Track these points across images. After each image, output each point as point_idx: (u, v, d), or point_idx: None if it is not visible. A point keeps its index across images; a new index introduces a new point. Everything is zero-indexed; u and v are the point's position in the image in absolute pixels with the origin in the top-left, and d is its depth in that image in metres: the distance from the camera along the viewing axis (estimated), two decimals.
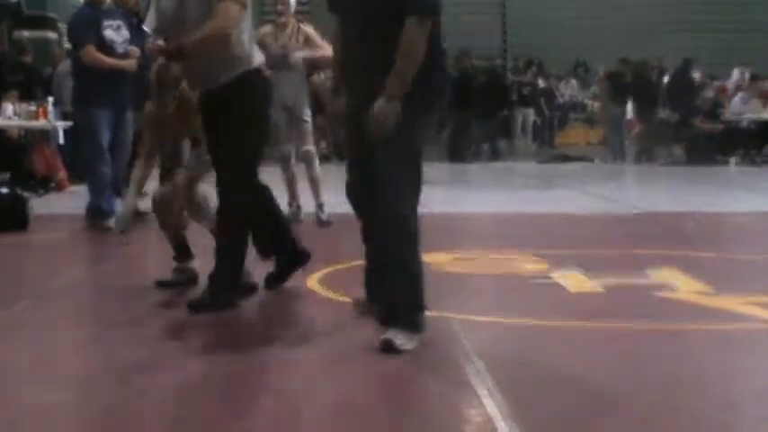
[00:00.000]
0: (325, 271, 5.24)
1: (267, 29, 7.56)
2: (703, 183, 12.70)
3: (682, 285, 4.97)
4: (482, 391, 3.15)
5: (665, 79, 17.04)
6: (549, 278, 5.20)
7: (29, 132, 11.04)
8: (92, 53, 7.15)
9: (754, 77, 16.47)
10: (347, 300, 4.42)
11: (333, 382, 3.39)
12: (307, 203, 7.48)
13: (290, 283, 4.80)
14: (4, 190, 7.55)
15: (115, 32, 7.26)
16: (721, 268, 5.71)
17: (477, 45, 18.60)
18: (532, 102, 18.14)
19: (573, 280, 5.12)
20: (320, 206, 7.36)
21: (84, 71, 7.24)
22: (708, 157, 15.49)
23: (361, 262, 4.19)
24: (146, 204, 5.69)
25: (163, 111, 4.68)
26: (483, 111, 16.52)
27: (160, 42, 4.51)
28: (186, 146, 4.81)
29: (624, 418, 2.98)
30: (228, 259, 4.40)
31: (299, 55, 7.27)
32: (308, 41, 7.32)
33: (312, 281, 4.99)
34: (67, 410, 3.08)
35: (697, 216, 8.43)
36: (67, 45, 9.55)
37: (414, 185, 3.72)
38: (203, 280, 4.57)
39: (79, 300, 4.98)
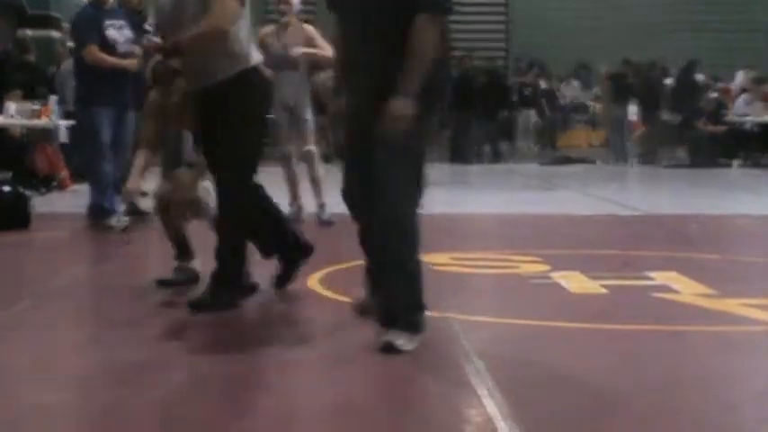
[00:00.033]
0: (325, 271, 5.24)
1: (269, 28, 7.56)
2: (706, 185, 12.69)
3: (683, 287, 4.96)
4: (482, 392, 3.14)
5: (669, 81, 17.02)
6: (549, 279, 5.20)
7: (31, 131, 11.04)
8: (94, 52, 7.16)
9: (759, 80, 16.45)
10: (348, 300, 4.41)
11: (333, 382, 3.39)
12: (308, 203, 7.48)
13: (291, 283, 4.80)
14: (7, 188, 7.55)
15: (117, 32, 7.27)
16: (724, 270, 5.71)
17: (479, 46, 18.59)
18: (534, 103, 18.11)
19: (574, 281, 5.11)
20: (321, 206, 7.36)
21: (87, 70, 7.26)
22: (711, 159, 15.48)
23: (362, 262, 4.19)
24: (147, 204, 5.69)
25: (167, 99, 4.65)
26: (483, 112, 16.49)
27: (156, 39, 4.50)
28: (188, 143, 4.79)
29: (624, 418, 2.97)
30: (229, 259, 4.39)
31: (298, 51, 7.25)
32: (310, 42, 7.32)
33: (313, 281, 4.99)
34: (67, 410, 3.08)
35: (700, 218, 8.43)
36: (70, 44, 9.57)
37: (415, 186, 3.70)
38: (204, 279, 4.57)
39: (80, 299, 4.98)
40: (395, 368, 3.47)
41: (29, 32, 12.93)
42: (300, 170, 7.51)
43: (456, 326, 4.04)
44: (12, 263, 6.03)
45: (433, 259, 5.22)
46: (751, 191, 11.59)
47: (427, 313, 3.76)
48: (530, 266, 5.59)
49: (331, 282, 4.98)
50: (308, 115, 7.41)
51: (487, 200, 10.47)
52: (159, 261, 5.40)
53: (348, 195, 3.95)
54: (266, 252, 4.72)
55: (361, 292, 4.16)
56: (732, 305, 4.50)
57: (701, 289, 4.90)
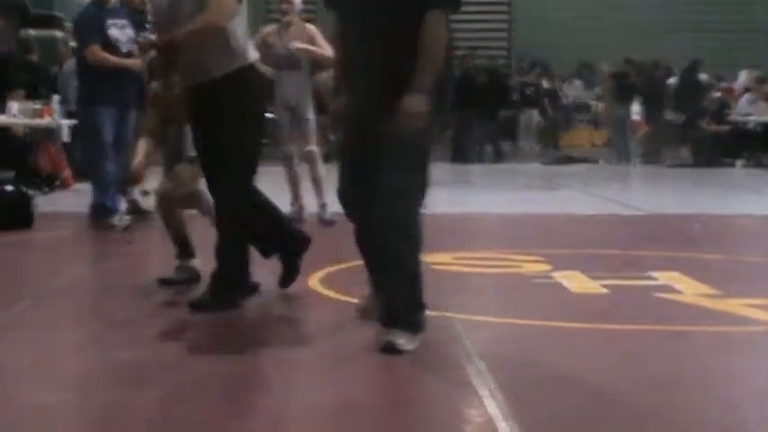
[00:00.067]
0: (327, 270, 5.24)
1: (271, 28, 7.56)
2: (709, 185, 12.67)
3: (686, 287, 4.95)
4: (483, 392, 3.14)
5: (672, 80, 17.00)
6: (551, 278, 5.19)
7: (34, 131, 11.06)
8: (96, 52, 7.17)
9: (761, 80, 16.43)
10: (349, 299, 4.41)
11: (333, 382, 3.39)
12: (310, 203, 7.48)
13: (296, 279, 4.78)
14: (10, 188, 7.56)
15: (120, 31, 7.28)
16: (726, 270, 5.70)
17: (482, 45, 18.56)
18: (537, 102, 18.09)
19: (575, 280, 5.10)
20: (323, 206, 7.35)
21: (89, 70, 7.27)
22: (714, 158, 15.45)
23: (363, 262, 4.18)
24: (148, 203, 5.69)
25: (168, 91, 4.64)
26: (484, 111, 16.44)
27: (151, 36, 4.49)
28: (188, 140, 4.78)
29: (624, 418, 2.97)
30: (229, 259, 4.38)
31: (294, 44, 7.24)
32: (311, 41, 7.31)
33: (314, 280, 4.99)
34: (67, 410, 3.08)
35: (703, 218, 8.41)
36: (73, 44, 9.57)
37: (418, 185, 3.68)
38: (205, 279, 4.56)
39: (81, 299, 4.98)
40: (396, 368, 3.47)
41: (32, 32, 12.94)
42: (302, 170, 7.51)
43: (457, 325, 4.03)
44: (14, 262, 6.04)
45: (435, 259, 5.21)
46: (754, 191, 11.57)
47: (428, 313, 3.76)
48: (531, 266, 5.58)
49: (332, 281, 4.97)
50: (310, 115, 7.40)
51: (489, 199, 10.46)
52: (161, 260, 5.41)
53: (343, 195, 3.91)
54: (266, 252, 4.71)
55: (362, 292, 4.15)
56: (734, 305, 4.49)
57: (704, 289, 4.89)
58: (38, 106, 10.46)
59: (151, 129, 4.83)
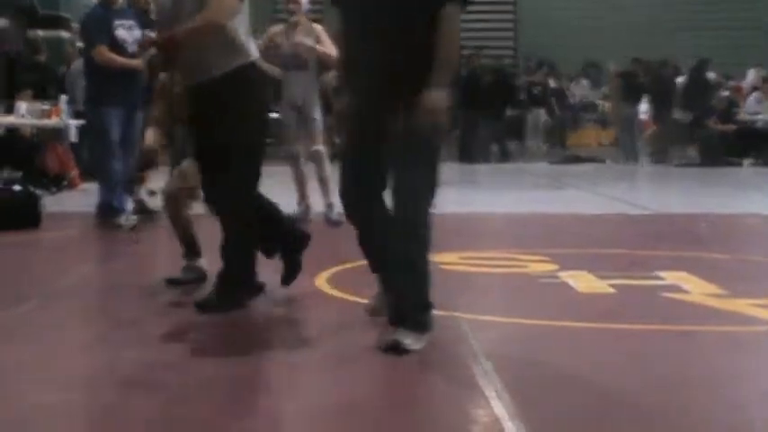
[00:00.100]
0: (333, 270, 5.24)
1: (278, 28, 7.57)
2: (717, 184, 12.64)
3: (693, 287, 4.94)
4: (490, 392, 3.13)
5: (680, 79, 16.96)
6: (557, 278, 5.18)
7: (41, 131, 11.09)
8: (103, 53, 7.19)
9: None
10: (355, 299, 4.41)
11: (339, 382, 3.39)
12: (316, 203, 7.48)
13: (299, 282, 4.78)
14: (18, 188, 7.58)
15: (127, 32, 7.29)
16: (734, 270, 5.68)
17: (488, 44, 18.56)
18: (544, 102, 18.07)
19: (582, 280, 5.10)
20: (330, 206, 7.35)
21: (96, 70, 7.29)
22: (722, 158, 15.41)
23: None
24: (155, 203, 5.70)
25: (172, 86, 4.63)
26: (489, 111, 16.42)
27: (152, 34, 4.49)
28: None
29: (631, 418, 2.96)
30: (235, 259, 4.38)
31: (297, 39, 7.23)
32: (318, 41, 7.32)
33: (320, 280, 4.99)
34: (72, 410, 3.08)
35: (710, 217, 8.39)
36: (80, 44, 9.59)
37: (429, 184, 3.65)
38: (212, 278, 4.57)
39: (88, 298, 4.98)
40: (402, 368, 3.47)
41: (39, 33, 12.98)
42: (309, 170, 7.51)
43: (464, 325, 4.03)
44: (21, 262, 6.05)
45: (442, 258, 5.20)
46: (762, 190, 11.54)
47: (435, 312, 3.76)
48: (538, 266, 5.58)
49: (338, 281, 4.97)
50: (317, 115, 7.41)
51: (496, 199, 10.45)
52: (168, 260, 5.41)
53: (345, 195, 3.88)
54: (269, 252, 4.70)
55: (372, 291, 4.15)
56: (742, 305, 4.48)
57: (711, 289, 4.88)
58: (45, 107, 10.49)
59: (159, 119, 4.84)
